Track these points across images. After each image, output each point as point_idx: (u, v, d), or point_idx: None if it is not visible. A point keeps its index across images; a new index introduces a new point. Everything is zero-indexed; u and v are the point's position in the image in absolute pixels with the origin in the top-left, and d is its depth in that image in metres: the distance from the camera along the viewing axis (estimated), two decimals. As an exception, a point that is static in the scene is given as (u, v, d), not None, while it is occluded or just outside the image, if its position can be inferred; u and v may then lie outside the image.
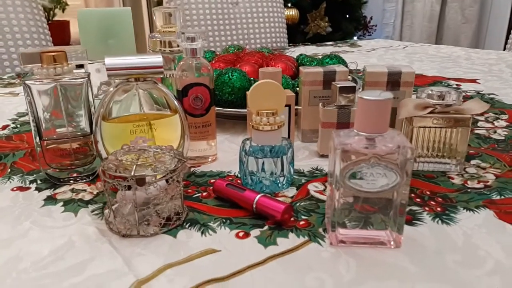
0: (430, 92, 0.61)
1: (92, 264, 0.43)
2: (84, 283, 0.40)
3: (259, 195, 0.51)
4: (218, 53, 1.16)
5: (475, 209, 0.52)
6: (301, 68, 0.75)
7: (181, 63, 0.62)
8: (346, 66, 0.97)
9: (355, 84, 0.65)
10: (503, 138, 0.75)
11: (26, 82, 0.56)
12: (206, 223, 0.50)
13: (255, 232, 0.48)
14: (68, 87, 0.58)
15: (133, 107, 0.59)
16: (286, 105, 0.68)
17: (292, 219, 0.51)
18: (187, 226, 0.49)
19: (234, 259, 0.43)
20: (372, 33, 3.57)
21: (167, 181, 0.48)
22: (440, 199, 0.55)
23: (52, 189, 0.59)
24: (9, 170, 0.66)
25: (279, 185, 0.57)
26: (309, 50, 1.90)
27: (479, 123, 0.84)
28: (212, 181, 0.60)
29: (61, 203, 0.55)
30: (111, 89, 0.55)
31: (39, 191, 0.58)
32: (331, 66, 0.74)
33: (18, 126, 0.86)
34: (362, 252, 0.44)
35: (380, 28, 3.58)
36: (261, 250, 0.45)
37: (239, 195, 0.53)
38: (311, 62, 1.03)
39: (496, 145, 0.72)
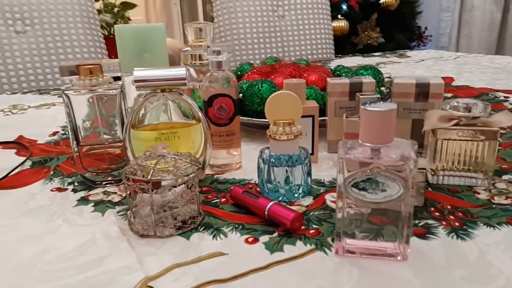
0: (456, 104, 0.60)
1: (108, 259, 0.46)
2: (98, 277, 0.44)
3: (271, 203, 0.53)
4: (256, 65, 1.19)
5: (497, 226, 0.50)
6: (328, 79, 0.75)
7: (208, 74, 0.65)
8: (380, 79, 0.96)
9: (378, 95, 0.65)
10: (544, 153, 0.72)
11: (65, 92, 0.61)
12: (220, 228, 0.52)
13: (265, 238, 0.49)
14: (105, 97, 0.62)
15: (162, 116, 0.62)
16: (309, 116, 0.69)
17: (303, 227, 0.51)
18: (201, 229, 0.52)
19: (239, 262, 0.45)
20: (427, 43, 3.46)
21: (187, 186, 0.51)
22: (460, 214, 0.53)
23: (87, 191, 0.64)
24: (52, 172, 0.71)
25: (295, 194, 0.58)
26: (355, 61, 1.88)
27: (521, 137, 0.80)
28: (231, 188, 0.62)
29: (92, 204, 0.59)
30: (140, 99, 0.59)
31: (75, 192, 0.63)
32: (359, 77, 0.74)
33: (66, 132, 0.93)
34: (367, 263, 0.44)
35: (436, 38, 3.46)
36: (267, 255, 0.46)
37: (253, 202, 0.54)
38: (347, 73, 1.03)
39: (534, 160, 0.69)
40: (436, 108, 0.70)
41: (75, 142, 0.64)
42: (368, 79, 0.72)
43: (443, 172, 0.61)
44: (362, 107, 0.42)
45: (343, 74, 1.03)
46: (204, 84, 0.65)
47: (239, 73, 1.11)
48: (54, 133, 0.93)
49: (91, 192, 0.63)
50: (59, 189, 0.65)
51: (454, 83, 1.31)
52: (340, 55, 2.26)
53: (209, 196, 0.60)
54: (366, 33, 3.11)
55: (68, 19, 1.60)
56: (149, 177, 0.48)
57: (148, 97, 0.59)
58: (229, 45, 0.65)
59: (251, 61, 1.91)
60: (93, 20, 1.67)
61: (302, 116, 0.69)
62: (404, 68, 1.61)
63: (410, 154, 0.42)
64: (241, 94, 0.86)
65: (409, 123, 0.71)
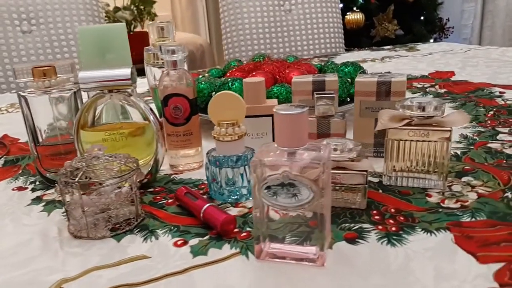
0: (409, 103, 0.58)
1: (36, 260, 0.47)
2: (21, 277, 0.45)
3: (207, 205, 0.52)
4: (245, 61, 1.18)
5: (434, 231, 0.48)
6: (294, 77, 0.74)
7: (162, 74, 0.65)
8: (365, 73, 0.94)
9: (334, 94, 0.63)
10: (518, 153, 0.68)
11: (21, 94, 0.62)
12: (154, 230, 0.52)
13: (194, 241, 0.49)
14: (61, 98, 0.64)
15: (113, 117, 0.63)
16: (268, 115, 0.68)
17: (236, 230, 0.51)
18: (136, 231, 0.52)
19: (159, 266, 0.45)
20: (449, 35, 3.35)
21: (119, 187, 0.51)
22: (401, 218, 0.51)
23: (44, 191, 0.65)
24: (20, 171, 0.73)
25: (239, 195, 0.58)
26: (362, 55, 1.84)
27: (500, 136, 0.76)
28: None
29: (44, 203, 0.61)
30: (88, 100, 0.60)
31: (33, 192, 0.65)
32: (323, 75, 0.72)
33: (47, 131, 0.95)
34: (286, 268, 0.43)
35: (458, 30, 3.34)
36: (188, 259, 0.46)
37: (192, 204, 0.54)
38: (332, 70, 1.01)
39: (504, 161, 0.65)
40: (399, 107, 0.67)
41: (32, 142, 0.65)
42: (331, 77, 0.70)
43: (395, 173, 0.59)
44: (274, 110, 0.41)
45: (330, 71, 1.01)
46: (159, 84, 0.65)
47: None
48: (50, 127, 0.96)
49: (47, 192, 0.64)
50: (20, 188, 0.66)
51: (453, 78, 1.26)
52: (350, 48, 2.22)
53: (158, 197, 0.60)
54: (383, 25, 3.03)
55: (73, 18, 1.63)
56: (76, 179, 0.48)
57: (96, 98, 0.59)
58: (184, 44, 0.65)
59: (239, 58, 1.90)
60: (98, 19, 1.70)
61: (262, 116, 0.68)
62: (408, 62, 1.57)
63: (321, 157, 0.40)
64: (214, 93, 0.86)
65: (372, 122, 0.68)
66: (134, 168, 0.52)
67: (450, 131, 0.55)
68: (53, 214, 0.57)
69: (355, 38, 2.97)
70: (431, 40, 3.33)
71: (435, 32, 3.27)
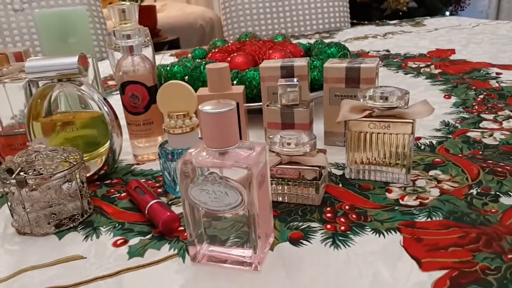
0: (372, 92, 0.54)
1: (-26, 259, 0.46)
2: (-48, 278, 0.44)
3: (153, 201, 0.50)
4: (231, 42, 1.14)
5: (384, 232, 0.45)
6: (263, 62, 0.70)
7: (119, 60, 0.63)
8: (347, 55, 0.90)
9: (297, 83, 0.60)
10: (497, 143, 0.64)
11: (-26, 83, 0.61)
12: (98, 227, 0.50)
13: (135, 240, 0.47)
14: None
15: (73, 105, 0.61)
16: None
17: (181, 228, 0.49)
18: (80, 228, 0.51)
19: (93, 267, 0.43)
20: (465, 8, 3.21)
21: (59, 184, 0.49)
22: (354, 216, 0.48)
23: (4, 181, 0.64)
24: (-14, 160, 0.73)
25: (191, 190, 0.56)
26: (365, 30, 1.78)
27: (483, 123, 0.72)
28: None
29: (-1, 196, 0.60)
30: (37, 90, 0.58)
31: (-7, 183, 0.64)
32: (292, 60, 0.68)
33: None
34: (220, 271, 0.42)
35: (475, 2, 3.19)
36: (124, 261, 0.44)
37: (139, 199, 0.52)
38: (318, 51, 0.96)
39: (480, 152, 0.62)
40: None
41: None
42: (300, 62, 0.66)
43: (357, 166, 0.56)
44: (200, 108, 0.38)
45: (313, 54, 0.96)
46: (116, 71, 0.63)
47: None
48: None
49: (6, 183, 0.63)
50: (-19, 179, 0.66)
51: (452, 57, 1.20)
52: (360, 22, 2.13)
53: (112, 190, 0.59)
54: (394, -2, 2.92)
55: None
56: (13, 176, 0.47)
57: (46, 87, 0.57)
58: (141, 28, 0.62)
59: (258, 33, 1.85)
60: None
61: (226, 104, 0.65)
62: (410, 39, 1.50)
63: (249, 159, 0.38)
64: (186, 77, 0.83)
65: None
66: (76, 163, 0.50)
67: (413, 123, 0.52)
68: (4, 207, 0.56)
69: (365, 11, 2.87)
70: (447, 13, 3.19)
71: (451, 5, 3.13)
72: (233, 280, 0.40)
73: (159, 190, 0.58)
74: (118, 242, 0.47)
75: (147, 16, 3.61)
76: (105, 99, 0.59)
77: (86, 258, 0.45)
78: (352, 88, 0.63)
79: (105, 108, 0.59)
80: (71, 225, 0.51)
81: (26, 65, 0.55)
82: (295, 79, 0.60)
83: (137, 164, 0.66)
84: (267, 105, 0.63)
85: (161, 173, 0.62)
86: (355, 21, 2.13)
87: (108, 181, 0.61)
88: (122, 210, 0.54)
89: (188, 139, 0.54)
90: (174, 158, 0.54)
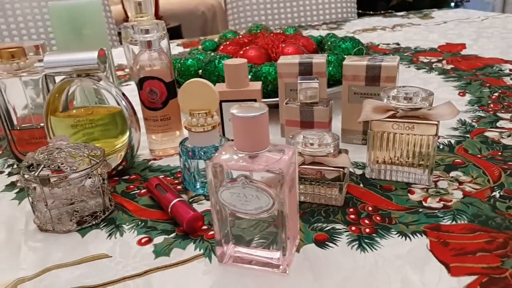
0: (395, 93, 0.54)
1: (0, 255, 0.46)
2: (-22, 275, 0.44)
3: (176, 199, 0.50)
4: (241, 33, 1.13)
5: (410, 235, 0.45)
6: (280, 58, 0.70)
7: (136, 55, 0.62)
8: (362, 52, 0.89)
9: (317, 81, 0.59)
10: (516, 143, 0.64)
11: (-9, 76, 0.60)
12: (121, 225, 0.50)
13: (159, 239, 0.47)
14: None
15: (88, 99, 0.61)
16: (251, 100, 0.65)
17: (204, 227, 0.49)
18: (102, 226, 0.50)
19: (119, 267, 0.43)
20: (471, -2, 3.18)
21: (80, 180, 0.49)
22: (378, 218, 0.48)
23: (19, 175, 0.63)
24: (0, 152, 0.72)
25: (212, 188, 0.55)
26: (372, 22, 1.76)
27: (500, 123, 0.71)
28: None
29: (17, 190, 0.59)
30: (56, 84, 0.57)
31: (9, 176, 0.64)
32: (310, 56, 0.68)
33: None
34: (247, 273, 0.42)
35: (481, -8, 3.17)
36: (150, 260, 0.44)
37: (161, 197, 0.52)
38: (330, 46, 0.95)
39: (499, 153, 0.61)
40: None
41: (7, 126, 0.63)
42: (319, 59, 0.66)
43: (379, 166, 0.56)
44: (231, 112, 0.38)
45: (326, 48, 0.95)
46: (134, 66, 0.62)
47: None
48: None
49: (23, 177, 0.63)
50: (-3, 172, 0.65)
51: (463, 51, 1.19)
52: (366, 12, 2.12)
53: (131, 186, 0.59)
54: (400, -12, 2.89)
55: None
56: (36, 174, 0.47)
57: (64, 82, 0.57)
58: (161, 22, 0.61)
59: (263, 23, 1.83)
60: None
61: (244, 100, 0.65)
62: (419, 32, 1.49)
63: (280, 162, 0.37)
64: (200, 71, 0.82)
65: (361, 108, 0.64)
66: (98, 160, 0.50)
67: (437, 125, 0.51)
68: (24, 202, 0.56)
69: (371, 2, 2.85)
70: (452, 4, 3.17)
71: (456, -5, 3.11)
72: (261, 282, 0.40)
73: (179, 187, 0.58)
74: (143, 241, 0.47)
75: None
76: (123, 93, 0.59)
77: (111, 257, 0.45)
78: (372, 87, 0.63)
79: (123, 102, 0.58)
80: (93, 222, 0.50)
81: (45, 59, 0.55)
82: (315, 77, 0.60)
83: (154, 159, 0.66)
84: (286, 103, 0.62)
85: (179, 169, 0.62)
86: (360, 11, 2.11)
87: (126, 177, 0.61)
88: (144, 208, 0.53)
89: (209, 137, 0.54)
90: (196, 156, 0.54)
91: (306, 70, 0.66)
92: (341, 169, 0.50)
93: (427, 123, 0.51)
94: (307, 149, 0.51)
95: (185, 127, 0.54)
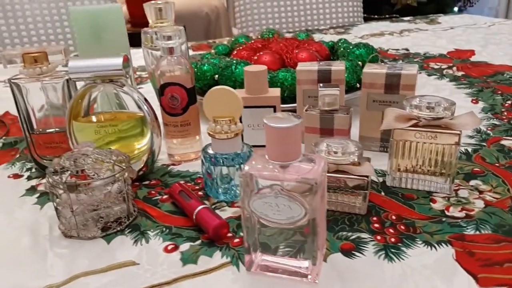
0: (418, 102, 0.54)
1: (24, 261, 0.46)
2: (6, 280, 0.44)
3: (201, 207, 0.50)
4: (253, 38, 1.13)
5: (435, 245, 0.46)
6: (299, 65, 0.70)
7: (158, 60, 0.62)
8: (376, 58, 0.89)
9: (338, 88, 0.59)
10: (533, 152, 0.64)
11: (13, 81, 0.60)
12: (146, 231, 0.51)
13: (185, 246, 0.48)
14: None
15: (107, 104, 0.61)
16: (270, 106, 0.65)
17: (230, 234, 0.49)
18: (127, 232, 0.51)
19: (147, 274, 0.44)
20: (475, 3, 3.20)
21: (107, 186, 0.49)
22: (402, 227, 0.49)
23: (40, 179, 0.64)
24: (17, 156, 0.72)
25: (234, 194, 0.56)
26: (379, 26, 1.76)
27: (515, 131, 0.72)
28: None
29: (37, 195, 0.60)
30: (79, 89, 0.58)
31: (28, 180, 0.64)
32: (329, 63, 0.68)
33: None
34: (276, 282, 0.42)
35: (484, -2, 3.18)
36: (178, 268, 0.44)
37: (185, 204, 0.52)
38: (343, 52, 0.95)
39: (517, 161, 0.62)
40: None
41: (27, 129, 0.64)
42: (338, 66, 0.66)
43: (400, 174, 0.56)
44: (265, 121, 0.38)
45: (339, 53, 0.96)
46: (156, 72, 0.62)
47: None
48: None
49: (42, 181, 0.63)
50: (16, 176, 0.65)
51: (473, 58, 1.19)
52: (370, 16, 2.12)
53: (153, 192, 0.59)
54: (404, -8, 2.91)
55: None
56: (64, 180, 0.47)
57: (88, 87, 0.57)
58: (180, 29, 0.62)
59: (270, 27, 1.84)
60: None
61: (263, 107, 0.65)
62: (427, 38, 1.49)
63: (312, 173, 0.38)
64: (216, 76, 0.83)
65: (379, 116, 0.65)
66: (124, 167, 0.50)
67: (459, 134, 0.52)
68: (46, 207, 0.56)
69: (376, 6, 2.86)
70: (455, 9, 3.18)
71: (460, 0, 3.12)
72: (290, 291, 0.41)
73: (200, 193, 0.58)
74: (169, 248, 0.47)
75: (140, 4, 3.56)
76: (145, 98, 0.59)
77: (139, 264, 0.45)
78: (391, 94, 0.63)
79: (145, 107, 0.58)
80: (118, 228, 0.51)
81: (70, 65, 0.55)
82: (335, 84, 0.60)
83: (173, 164, 0.66)
84: (306, 110, 0.63)
85: (198, 175, 0.62)
86: (365, 15, 2.11)
87: (147, 182, 0.61)
88: (167, 214, 0.54)
89: (232, 144, 0.54)
90: (218, 162, 0.54)
91: (324, 77, 0.66)
92: (365, 178, 0.50)
93: (450, 133, 0.52)
94: (331, 157, 0.51)
95: (209, 134, 0.54)
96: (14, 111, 0.93)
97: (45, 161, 0.65)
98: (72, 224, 0.49)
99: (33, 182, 0.63)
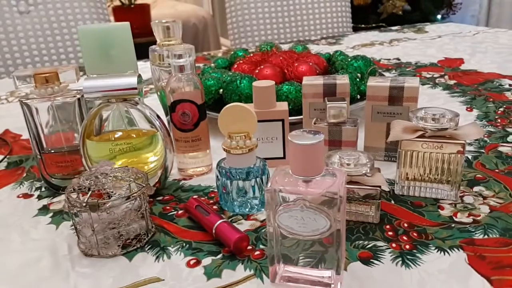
0: (423, 114, 0.56)
1: (47, 282, 0.47)
2: (33, 302, 0.44)
3: (220, 221, 0.52)
4: (251, 51, 1.15)
5: (448, 250, 0.48)
6: (304, 79, 0.72)
7: (169, 78, 0.64)
8: (374, 71, 0.92)
9: (344, 101, 0.61)
10: (531, 158, 0.67)
11: (24, 101, 0.61)
12: (166, 247, 0.51)
13: (207, 260, 0.49)
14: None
15: (118, 122, 0.62)
16: (279, 120, 0.67)
17: (250, 247, 0.50)
18: (147, 248, 0.51)
19: (172, 290, 0.45)
20: (457, 12, 3.27)
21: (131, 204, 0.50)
22: (415, 234, 0.51)
23: (51, 198, 0.64)
24: (24, 175, 0.72)
25: (250, 207, 0.57)
26: (369, 37, 1.80)
27: (510, 137, 0.75)
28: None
29: (51, 214, 0.60)
30: (93, 109, 0.59)
31: (39, 199, 0.64)
32: (333, 77, 0.70)
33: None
34: (300, 293, 0.43)
35: (466, 6, 3.27)
36: (203, 282, 0.45)
37: (203, 219, 0.53)
38: (341, 64, 0.97)
39: (516, 167, 0.65)
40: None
41: (37, 149, 0.64)
42: (342, 80, 0.68)
43: (408, 182, 0.59)
44: (289, 138, 0.40)
45: (336, 66, 0.98)
46: (166, 89, 0.64)
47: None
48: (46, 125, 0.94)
49: (54, 200, 0.64)
50: (25, 196, 0.66)
51: (462, 66, 1.23)
52: (358, 25, 2.16)
53: (168, 207, 0.60)
54: (390, 1, 2.97)
55: (72, -3, 1.59)
56: (86, 200, 0.48)
57: (102, 107, 0.58)
58: (191, 47, 0.63)
59: (263, 38, 1.87)
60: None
61: (271, 120, 0.67)
62: (416, 47, 1.53)
63: (335, 186, 0.39)
64: (221, 90, 0.84)
65: (383, 127, 0.67)
66: (144, 185, 0.51)
67: (464, 144, 0.54)
68: (61, 227, 0.57)
69: (362, 15, 2.91)
70: (439, 16, 3.26)
71: (443, 8, 3.20)
72: (315, 301, 0.42)
73: (214, 206, 0.59)
74: (191, 263, 0.48)
75: (141, 14, 3.58)
76: (157, 115, 0.60)
77: (163, 280, 0.46)
78: (395, 106, 0.66)
79: (157, 123, 0.59)
80: (138, 245, 0.51)
81: (84, 84, 0.56)
82: (342, 98, 0.62)
83: (184, 179, 0.67)
84: (314, 123, 0.65)
85: (211, 189, 0.64)
86: (353, 25, 2.16)
87: (160, 198, 0.62)
88: (185, 229, 0.55)
89: (246, 159, 0.56)
90: (234, 177, 0.56)
91: (330, 91, 0.68)
92: (378, 188, 0.52)
93: (455, 143, 0.54)
94: (344, 169, 0.53)
95: (224, 149, 0.56)
96: (14, 129, 0.93)
97: (53, 179, 0.66)
98: (92, 243, 0.50)
99: (45, 201, 0.64)
